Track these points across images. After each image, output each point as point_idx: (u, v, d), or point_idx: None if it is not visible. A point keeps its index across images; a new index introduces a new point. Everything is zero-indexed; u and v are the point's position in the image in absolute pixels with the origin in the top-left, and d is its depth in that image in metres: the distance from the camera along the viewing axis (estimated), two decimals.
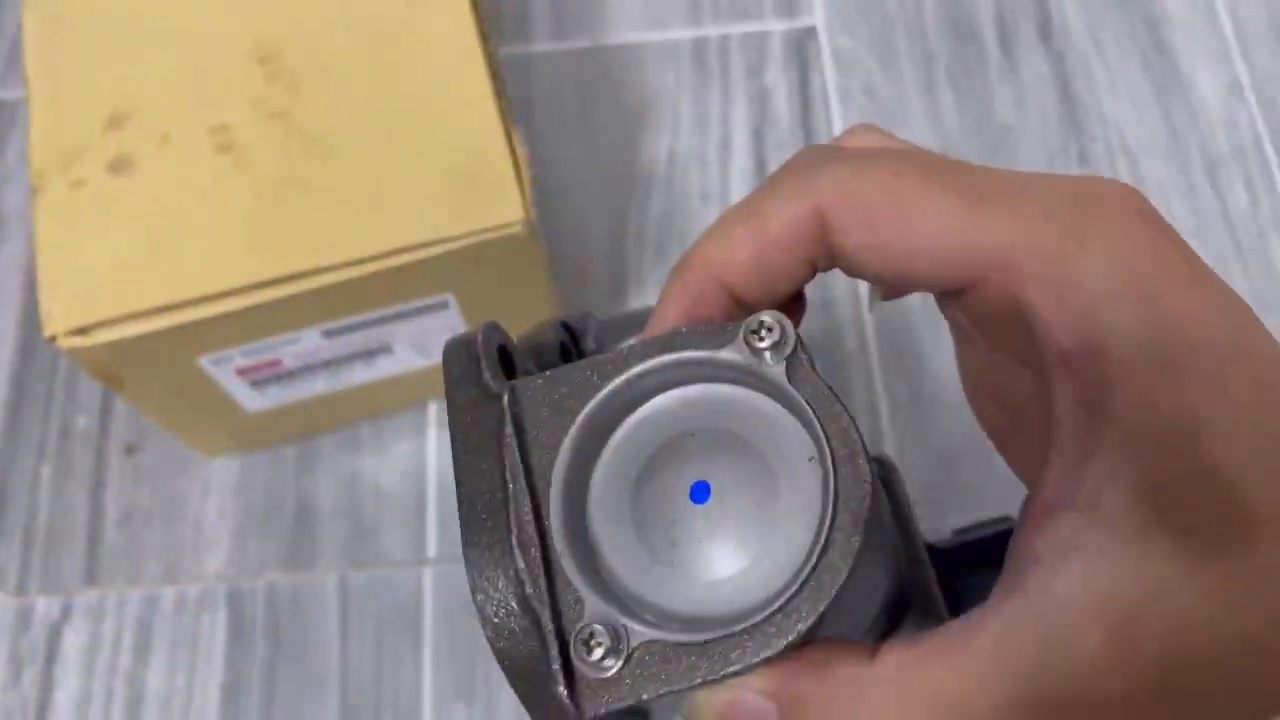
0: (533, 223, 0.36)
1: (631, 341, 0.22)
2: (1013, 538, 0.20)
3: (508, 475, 0.20)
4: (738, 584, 0.20)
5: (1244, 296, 0.19)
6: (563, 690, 0.19)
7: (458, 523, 0.20)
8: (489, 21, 0.40)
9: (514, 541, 0.20)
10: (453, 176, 0.36)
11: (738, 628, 0.19)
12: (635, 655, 0.19)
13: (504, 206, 0.36)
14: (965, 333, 0.23)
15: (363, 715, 0.42)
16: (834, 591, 0.19)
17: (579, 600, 0.20)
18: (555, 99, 0.53)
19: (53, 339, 0.35)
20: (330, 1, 0.39)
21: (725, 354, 0.21)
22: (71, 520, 0.46)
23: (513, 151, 0.37)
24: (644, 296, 0.48)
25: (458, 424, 0.21)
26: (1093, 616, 0.17)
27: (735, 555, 0.20)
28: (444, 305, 0.39)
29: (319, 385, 0.42)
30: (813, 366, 0.21)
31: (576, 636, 0.19)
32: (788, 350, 0.20)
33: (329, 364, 0.41)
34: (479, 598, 0.20)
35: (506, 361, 0.23)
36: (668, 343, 0.21)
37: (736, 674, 0.19)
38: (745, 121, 0.52)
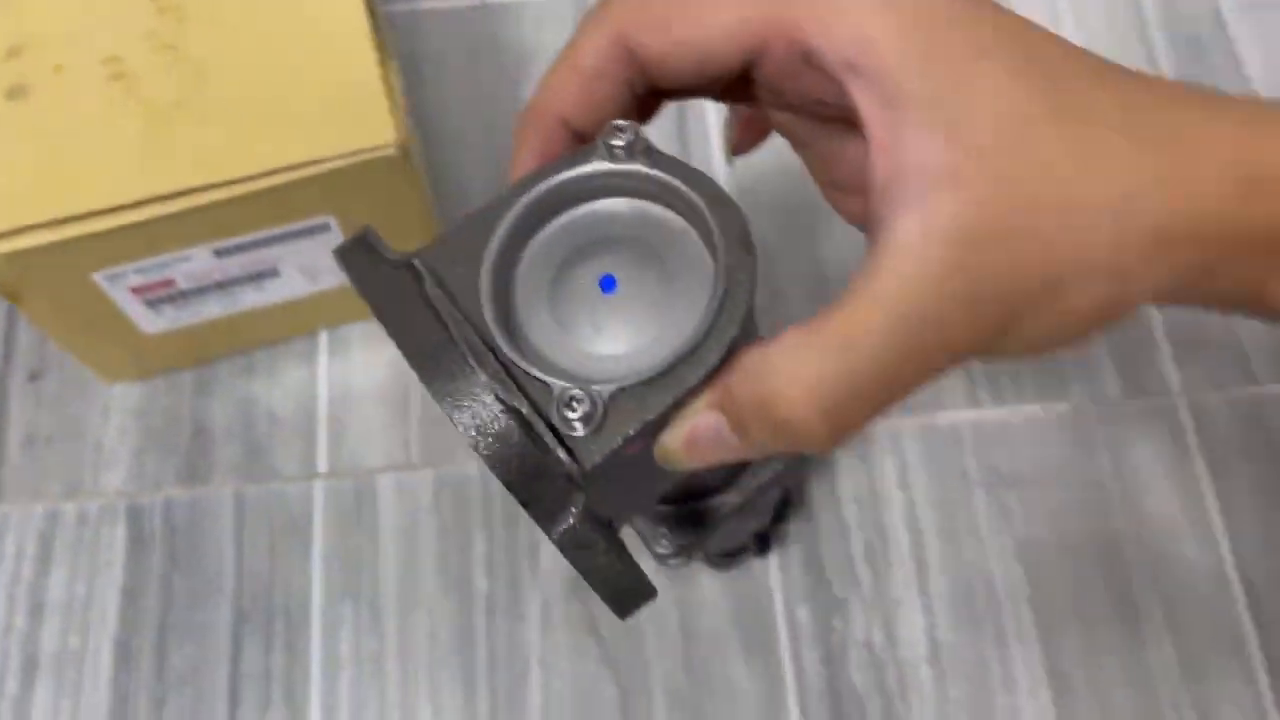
0: (406, 146, 0.40)
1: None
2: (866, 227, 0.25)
3: (445, 318, 0.24)
4: (663, 343, 0.24)
5: None
6: (562, 455, 0.23)
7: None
8: None
9: (472, 363, 0.23)
10: (330, 103, 0.40)
11: (684, 351, 0.23)
12: (609, 405, 0.23)
13: (377, 129, 0.39)
14: (798, 137, 0.28)
15: (255, 617, 0.45)
16: (746, 301, 0.24)
17: (544, 385, 0.23)
18: (442, 54, 0.56)
19: None
20: None
21: (592, 166, 0.25)
22: None
23: (386, 80, 0.40)
24: None
25: (378, 299, 0.24)
26: (927, 241, 0.22)
27: (652, 323, 0.25)
28: (326, 228, 0.42)
29: (212, 308, 0.45)
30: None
31: (557, 404, 0.23)
32: (643, 145, 0.25)
33: (221, 285, 0.44)
34: (459, 415, 0.23)
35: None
36: (540, 174, 0.26)
37: (692, 391, 0.23)
38: None
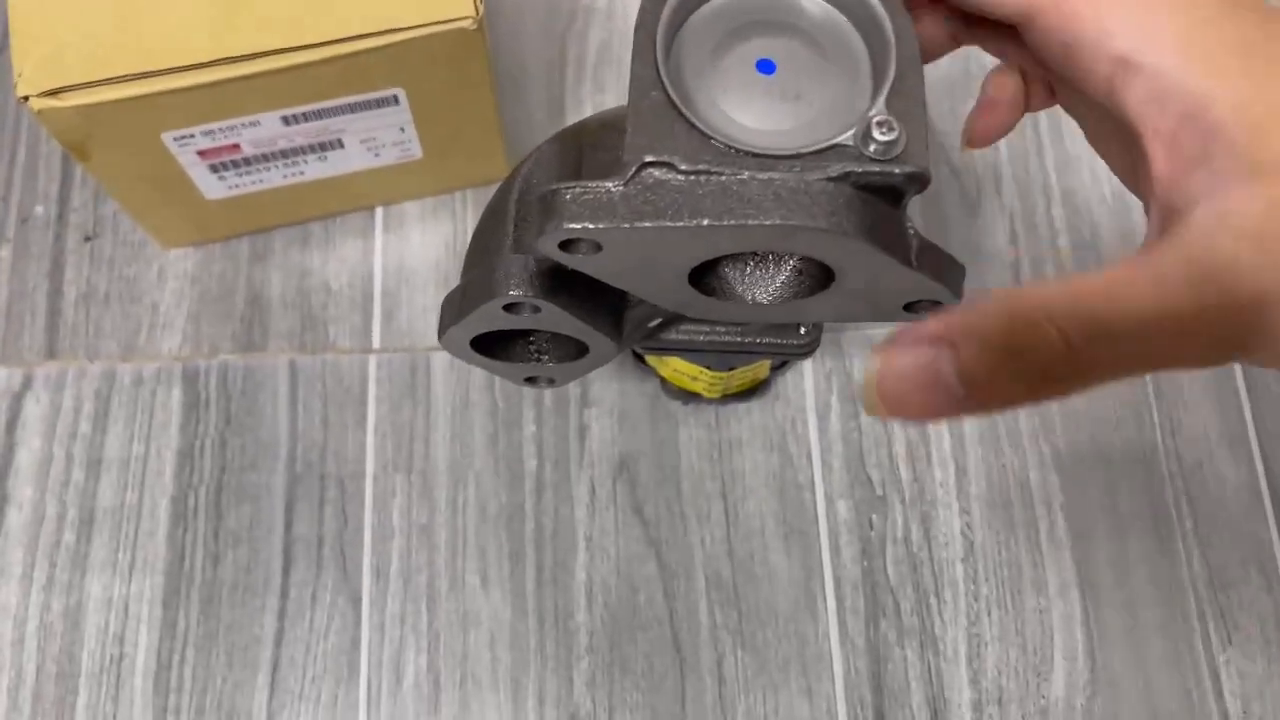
0: (482, 20, 0.39)
1: None
2: (1149, 203, 0.25)
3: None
4: (821, 119, 0.27)
5: None
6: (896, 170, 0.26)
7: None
8: None
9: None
10: None
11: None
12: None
13: (455, 2, 0.39)
14: (1077, 110, 0.29)
15: (309, 481, 0.46)
16: (919, 60, 0.27)
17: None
18: None
19: (24, 100, 0.37)
20: None
21: None
22: (31, 299, 0.48)
23: None
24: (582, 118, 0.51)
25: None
26: (1231, 233, 0.22)
27: (806, 104, 0.27)
28: (394, 100, 0.42)
29: (275, 177, 0.45)
30: None
31: (865, 131, 0.26)
32: None
33: (285, 154, 0.44)
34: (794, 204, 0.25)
35: None
36: None
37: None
38: None
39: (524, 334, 0.36)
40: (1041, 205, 0.51)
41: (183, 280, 0.49)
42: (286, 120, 0.42)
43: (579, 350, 0.34)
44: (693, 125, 0.26)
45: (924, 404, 0.21)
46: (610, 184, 0.26)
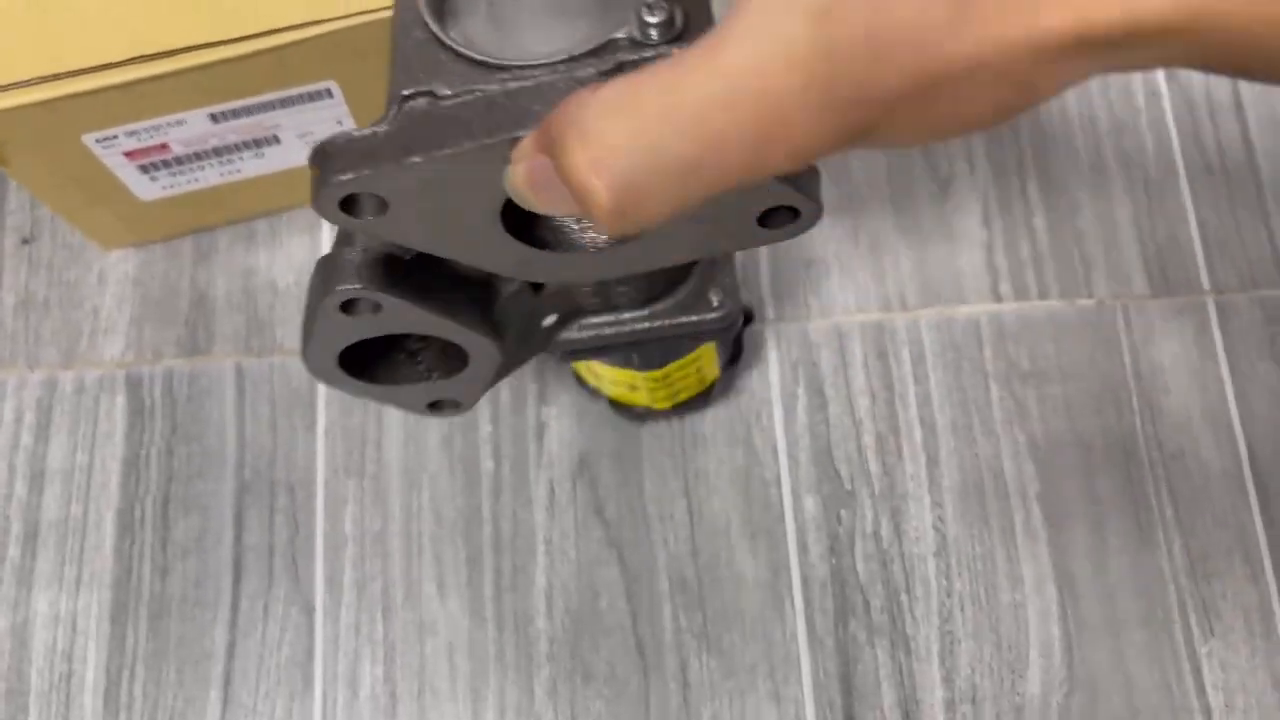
0: None
1: None
2: None
3: None
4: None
5: None
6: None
7: None
8: None
9: None
10: None
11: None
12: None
13: None
14: None
15: (258, 488, 0.45)
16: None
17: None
18: None
19: None
20: None
21: None
22: None
23: None
24: None
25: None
26: (790, 11, 0.18)
27: (584, 16, 0.25)
28: (328, 93, 0.40)
29: (210, 175, 0.43)
30: None
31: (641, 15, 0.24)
32: None
33: (218, 152, 0.42)
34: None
35: None
36: None
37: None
38: None
39: (406, 349, 0.32)
40: (1016, 184, 0.49)
41: (124, 283, 0.47)
42: (214, 118, 0.40)
43: (464, 358, 0.32)
44: (459, 53, 0.24)
45: (553, 203, 0.21)
46: (375, 127, 0.23)
